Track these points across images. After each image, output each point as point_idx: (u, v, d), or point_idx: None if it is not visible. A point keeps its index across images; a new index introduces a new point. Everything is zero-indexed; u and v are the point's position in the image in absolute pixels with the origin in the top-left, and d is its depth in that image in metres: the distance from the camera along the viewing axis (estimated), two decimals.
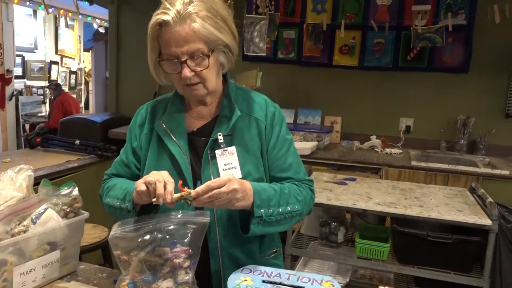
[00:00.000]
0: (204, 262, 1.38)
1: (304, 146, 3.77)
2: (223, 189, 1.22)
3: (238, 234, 1.39)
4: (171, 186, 1.23)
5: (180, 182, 1.26)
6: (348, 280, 2.85)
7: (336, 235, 2.68)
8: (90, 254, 2.67)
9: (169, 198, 1.22)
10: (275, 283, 1.23)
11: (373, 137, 4.24)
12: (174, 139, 1.41)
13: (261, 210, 1.31)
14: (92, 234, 2.77)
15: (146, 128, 1.48)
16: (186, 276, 1.28)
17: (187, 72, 1.32)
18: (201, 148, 1.42)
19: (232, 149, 1.40)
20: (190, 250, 1.29)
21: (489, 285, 2.34)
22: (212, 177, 1.36)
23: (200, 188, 1.23)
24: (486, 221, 2.27)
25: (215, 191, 1.22)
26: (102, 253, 2.87)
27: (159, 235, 1.27)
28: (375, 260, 2.54)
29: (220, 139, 1.39)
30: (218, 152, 1.39)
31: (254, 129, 1.44)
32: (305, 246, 2.76)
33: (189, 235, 1.28)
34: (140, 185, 1.26)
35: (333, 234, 2.68)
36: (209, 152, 1.39)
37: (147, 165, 1.43)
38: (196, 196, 1.23)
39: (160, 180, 1.23)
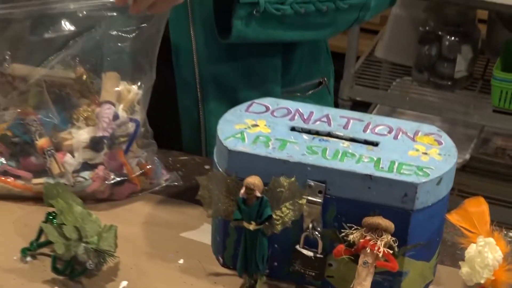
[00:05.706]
0: (167, 94, 0.76)
1: None
2: None
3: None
4: None
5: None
6: (468, 156, 1.52)
7: (453, 62, 1.42)
8: None
9: None
10: (317, 133, 0.59)
11: None
12: None
13: None
14: None
15: None
16: (131, 116, 0.68)
17: None
18: None
19: None
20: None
21: None
22: None
23: None
24: None
25: None
26: None
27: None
28: None
29: None
30: None
31: None
32: (383, 84, 1.50)
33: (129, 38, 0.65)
34: None
35: (445, 60, 1.42)
36: None
37: None
38: None
39: None
